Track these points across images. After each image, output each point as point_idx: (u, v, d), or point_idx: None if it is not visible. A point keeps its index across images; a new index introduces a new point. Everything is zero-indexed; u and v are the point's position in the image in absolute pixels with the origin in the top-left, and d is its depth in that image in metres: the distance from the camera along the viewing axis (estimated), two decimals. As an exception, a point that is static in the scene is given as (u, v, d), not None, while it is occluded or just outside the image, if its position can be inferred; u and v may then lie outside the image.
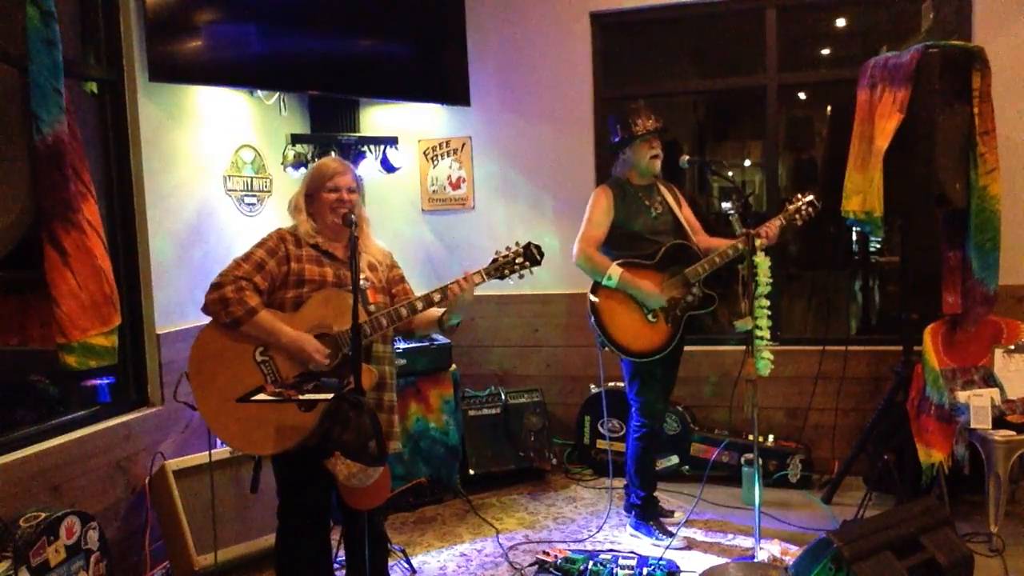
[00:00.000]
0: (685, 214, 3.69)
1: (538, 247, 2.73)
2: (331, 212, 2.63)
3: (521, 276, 2.73)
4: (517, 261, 2.71)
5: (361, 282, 2.59)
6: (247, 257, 2.57)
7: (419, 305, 2.61)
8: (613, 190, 3.59)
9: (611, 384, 4.28)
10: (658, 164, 3.60)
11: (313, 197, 2.67)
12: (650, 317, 3.49)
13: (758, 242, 3.18)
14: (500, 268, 2.71)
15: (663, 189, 3.68)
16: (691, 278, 3.50)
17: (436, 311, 2.72)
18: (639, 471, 3.66)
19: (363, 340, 2.44)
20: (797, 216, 3.59)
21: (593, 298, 3.50)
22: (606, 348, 3.50)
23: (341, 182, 2.65)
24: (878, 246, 4.77)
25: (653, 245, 3.54)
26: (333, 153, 4.38)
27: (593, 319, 3.48)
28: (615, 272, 3.44)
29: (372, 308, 2.60)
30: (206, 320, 2.56)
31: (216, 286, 2.50)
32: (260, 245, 2.61)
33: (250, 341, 2.51)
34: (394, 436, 2.68)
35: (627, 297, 3.48)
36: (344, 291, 2.55)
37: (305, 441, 2.44)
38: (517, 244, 2.73)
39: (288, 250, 2.60)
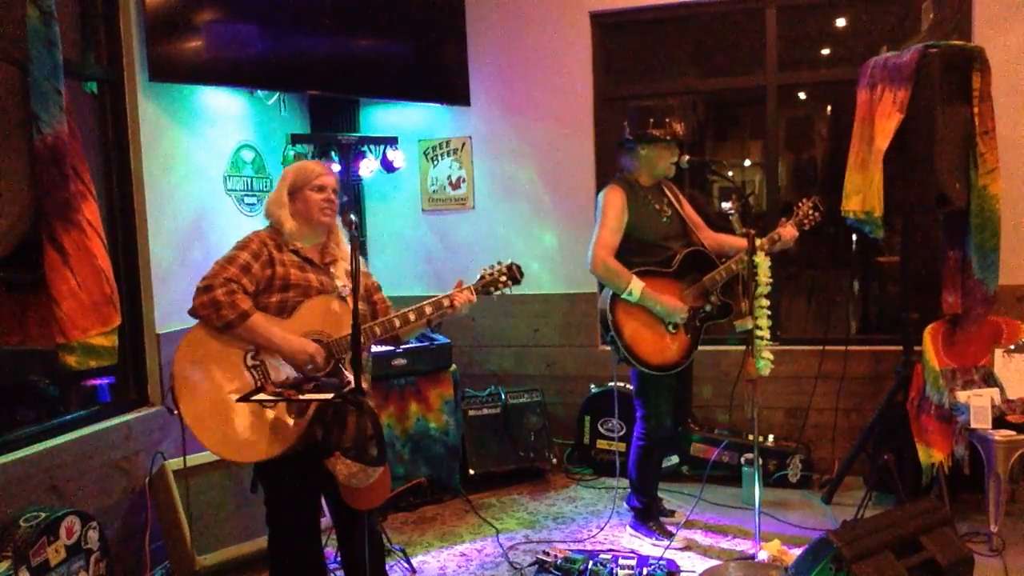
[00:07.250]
0: (687, 212, 3.64)
1: (519, 267, 2.81)
2: (318, 211, 2.58)
3: (501, 293, 2.81)
4: (501, 280, 2.78)
5: (342, 290, 2.59)
6: (231, 260, 2.48)
7: (412, 316, 2.63)
8: (625, 191, 3.48)
9: (610, 383, 4.27)
10: (673, 171, 3.53)
11: (296, 196, 2.59)
12: (670, 328, 3.41)
13: (757, 242, 3.18)
14: (487, 286, 2.78)
15: (666, 189, 3.62)
16: (709, 286, 3.45)
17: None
18: (640, 478, 3.64)
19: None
20: (806, 221, 3.56)
21: (611, 311, 3.38)
22: (622, 362, 3.41)
23: (327, 182, 2.61)
24: (878, 246, 4.76)
25: (664, 251, 3.47)
26: (333, 154, 4.39)
27: (612, 333, 3.37)
28: (636, 287, 3.32)
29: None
30: (205, 320, 2.56)
31: (206, 289, 2.42)
32: (243, 248, 2.52)
33: (240, 345, 2.46)
34: None
35: (646, 308, 3.39)
36: (334, 298, 2.56)
37: (292, 448, 2.43)
38: (500, 263, 2.80)
39: (271, 253, 2.53)
